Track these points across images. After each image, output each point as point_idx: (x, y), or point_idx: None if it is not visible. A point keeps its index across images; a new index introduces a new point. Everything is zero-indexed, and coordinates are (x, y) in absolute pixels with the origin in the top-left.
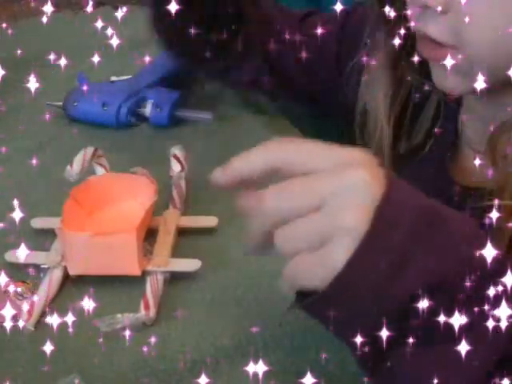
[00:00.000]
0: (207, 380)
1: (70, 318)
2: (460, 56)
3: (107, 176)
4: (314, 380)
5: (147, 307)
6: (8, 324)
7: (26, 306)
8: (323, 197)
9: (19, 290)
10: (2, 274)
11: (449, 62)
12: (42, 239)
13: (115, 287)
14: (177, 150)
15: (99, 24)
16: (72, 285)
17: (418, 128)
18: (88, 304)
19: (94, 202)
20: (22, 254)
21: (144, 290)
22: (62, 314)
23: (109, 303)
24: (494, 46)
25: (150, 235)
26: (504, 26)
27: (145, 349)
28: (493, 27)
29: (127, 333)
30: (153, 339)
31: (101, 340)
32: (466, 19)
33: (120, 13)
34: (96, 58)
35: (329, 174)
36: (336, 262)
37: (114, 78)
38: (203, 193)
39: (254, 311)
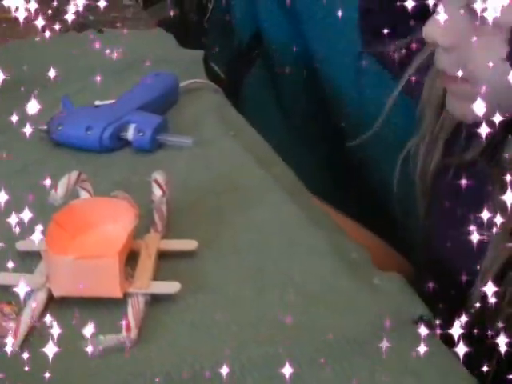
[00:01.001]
0: None
1: (53, 339)
2: (469, 87)
3: (89, 200)
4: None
5: (129, 329)
6: None
7: (11, 327)
8: None
9: (5, 310)
10: None
11: (459, 91)
12: (27, 261)
13: (98, 309)
14: (158, 175)
15: (84, 48)
16: (56, 306)
17: (472, 146)
18: (70, 325)
19: (76, 226)
20: (7, 276)
21: (126, 312)
22: (46, 335)
23: (91, 325)
24: (500, 78)
25: (131, 258)
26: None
27: (126, 369)
28: (499, 62)
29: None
30: (134, 360)
31: (84, 360)
32: (473, 55)
33: (104, 36)
34: (81, 82)
35: None
36: None
37: (97, 103)
38: (184, 217)
39: (233, 334)
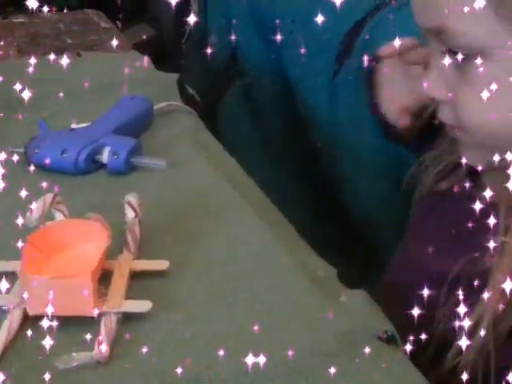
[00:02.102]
0: None
1: (28, 357)
2: (469, 137)
3: (63, 222)
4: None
5: (101, 346)
6: None
7: None
8: None
9: None
10: None
11: (462, 140)
12: (4, 282)
13: (71, 327)
14: (131, 197)
15: (62, 70)
16: (31, 325)
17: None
18: (45, 343)
19: (51, 247)
20: None
21: (98, 330)
22: (21, 352)
23: (65, 343)
24: (496, 129)
25: (104, 278)
26: (503, 112)
27: None
28: (492, 113)
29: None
30: (105, 376)
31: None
32: (464, 109)
33: (82, 59)
34: (57, 105)
35: None
36: None
37: (73, 126)
38: (156, 237)
39: (201, 350)
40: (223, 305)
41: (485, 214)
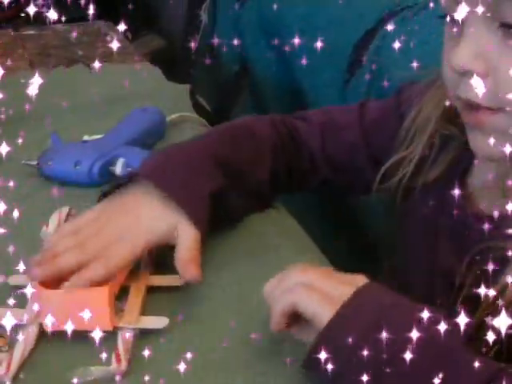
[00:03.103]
0: None
1: (44, 372)
2: (502, 119)
3: None
4: None
5: (119, 360)
6: None
7: (4, 361)
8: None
9: None
10: None
11: (490, 126)
12: (20, 296)
13: (88, 342)
14: None
15: (73, 82)
16: (47, 340)
17: (436, 166)
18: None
19: None
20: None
21: (116, 344)
22: (38, 367)
23: (82, 357)
24: None
25: (121, 293)
26: None
27: None
28: None
29: None
30: None
31: None
32: (505, 79)
33: (93, 71)
34: (69, 117)
35: None
36: None
37: (86, 138)
38: (171, 252)
39: (217, 362)
40: (239, 317)
41: None
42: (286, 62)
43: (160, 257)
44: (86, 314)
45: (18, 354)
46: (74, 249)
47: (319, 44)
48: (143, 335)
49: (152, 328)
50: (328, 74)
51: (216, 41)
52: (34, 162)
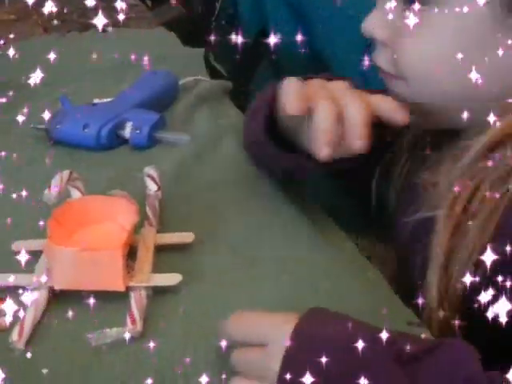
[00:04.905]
0: None
1: (57, 336)
2: (402, 87)
3: (86, 198)
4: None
5: (134, 321)
6: None
7: (16, 327)
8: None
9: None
10: None
11: (394, 92)
12: (25, 261)
13: (99, 303)
14: (151, 170)
15: (85, 47)
16: (58, 303)
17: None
18: (74, 320)
19: (74, 224)
20: (5, 276)
21: (129, 305)
22: (52, 332)
23: (95, 319)
24: (428, 79)
25: (129, 253)
26: (431, 56)
27: (132, 361)
28: (426, 59)
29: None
30: (141, 352)
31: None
32: (401, 52)
33: (105, 35)
34: (80, 81)
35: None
36: None
37: (96, 101)
38: (177, 211)
39: None
40: (248, 276)
41: None
42: (307, 27)
43: (165, 214)
44: (98, 274)
45: (30, 318)
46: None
47: (340, 6)
48: (156, 295)
49: (165, 285)
50: (349, 38)
51: (235, 8)
52: (43, 126)
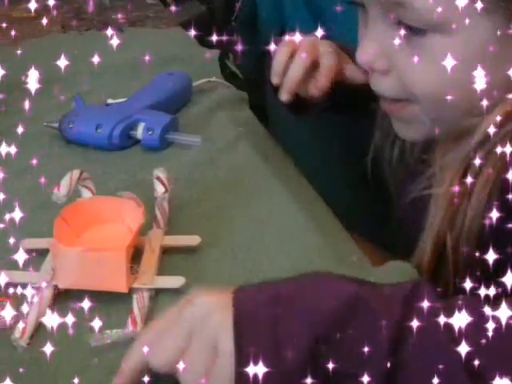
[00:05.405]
0: None
1: (59, 334)
2: (413, 108)
3: (95, 199)
4: None
5: (135, 323)
6: None
7: (20, 324)
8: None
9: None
10: None
11: (404, 114)
12: (32, 259)
13: (102, 304)
14: (160, 173)
15: (102, 46)
16: (62, 302)
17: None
18: (76, 320)
19: (82, 224)
20: (12, 273)
21: (131, 307)
22: (53, 331)
23: (96, 319)
24: (437, 97)
25: (135, 254)
26: (442, 79)
27: None
28: (431, 81)
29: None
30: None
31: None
32: (407, 76)
33: (123, 35)
34: (95, 80)
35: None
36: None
37: (110, 101)
38: (185, 213)
39: None
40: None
41: None
42: (326, 27)
43: (174, 216)
44: (102, 274)
45: (33, 317)
46: None
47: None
48: (158, 297)
49: (168, 288)
50: None
51: (256, 7)
52: (56, 124)
